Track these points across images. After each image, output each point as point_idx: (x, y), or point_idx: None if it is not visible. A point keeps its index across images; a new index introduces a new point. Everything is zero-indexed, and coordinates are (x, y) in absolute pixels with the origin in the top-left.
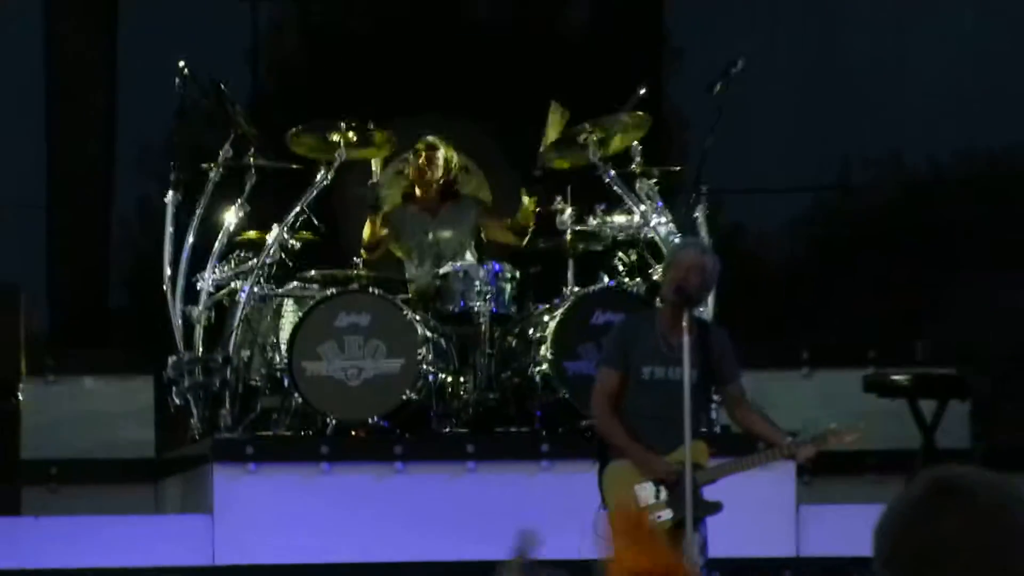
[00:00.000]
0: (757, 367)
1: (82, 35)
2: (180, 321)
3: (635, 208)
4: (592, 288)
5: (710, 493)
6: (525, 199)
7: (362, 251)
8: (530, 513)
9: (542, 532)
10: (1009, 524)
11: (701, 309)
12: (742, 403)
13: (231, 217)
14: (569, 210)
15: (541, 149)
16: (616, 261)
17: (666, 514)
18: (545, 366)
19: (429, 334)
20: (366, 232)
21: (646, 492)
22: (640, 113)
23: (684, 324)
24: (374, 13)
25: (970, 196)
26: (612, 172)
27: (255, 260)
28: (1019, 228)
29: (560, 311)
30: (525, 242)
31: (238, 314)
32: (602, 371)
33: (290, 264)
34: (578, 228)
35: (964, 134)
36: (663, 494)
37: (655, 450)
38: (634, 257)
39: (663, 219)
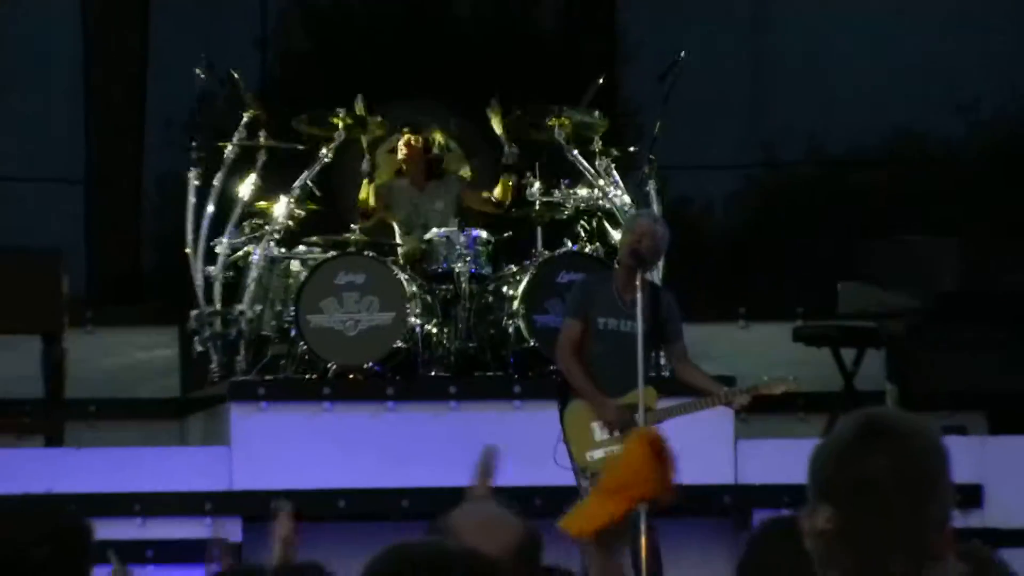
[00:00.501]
0: (702, 321)
1: (116, 27)
2: (201, 280)
3: (595, 182)
4: (557, 252)
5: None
6: (502, 180)
7: (360, 221)
8: (504, 445)
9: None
10: (931, 465)
11: (652, 271)
12: (684, 359)
13: (245, 190)
14: (537, 184)
15: (503, 144)
16: (578, 228)
17: (614, 449)
18: (517, 319)
19: (416, 291)
20: (361, 198)
21: (600, 429)
22: (598, 114)
23: (637, 283)
24: (371, 9)
25: (882, 170)
26: (575, 152)
27: (266, 227)
28: (924, 198)
29: (530, 271)
30: (503, 210)
31: (251, 274)
32: (566, 321)
33: (296, 230)
34: (545, 200)
35: (877, 116)
36: (616, 432)
37: (608, 393)
38: (594, 225)
39: (619, 192)
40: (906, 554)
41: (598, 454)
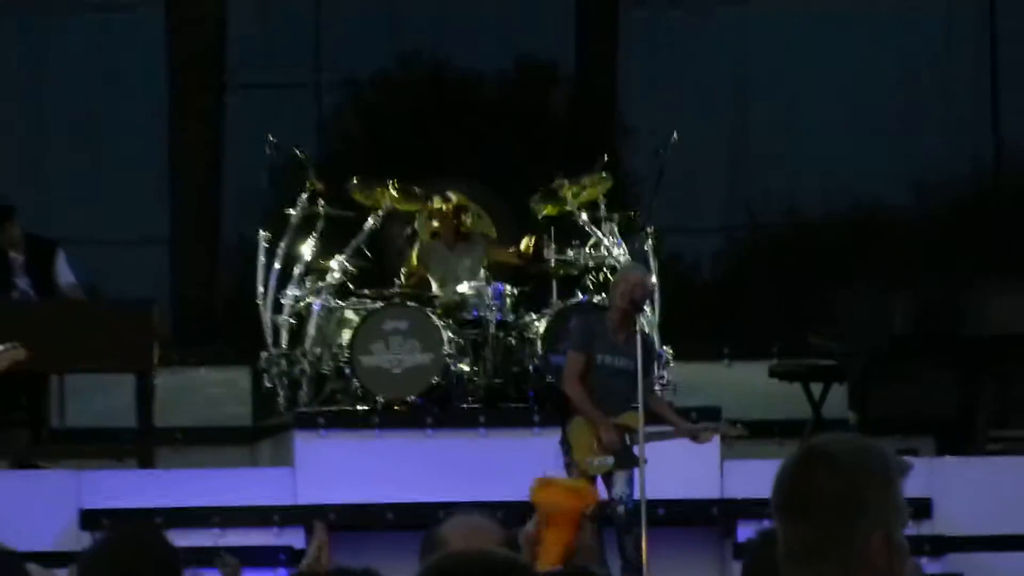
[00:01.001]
0: (691, 359)
1: (197, 112)
2: (270, 326)
3: (601, 243)
4: (570, 302)
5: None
6: (525, 239)
7: (405, 277)
8: (525, 466)
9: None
10: (860, 484)
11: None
12: (652, 391)
13: (306, 249)
14: (552, 245)
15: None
16: (587, 282)
17: (608, 460)
18: (536, 359)
19: (451, 335)
20: (408, 259)
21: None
22: (604, 174)
23: (636, 327)
24: (411, 99)
25: (848, 232)
26: (584, 217)
27: (324, 281)
28: (881, 256)
29: (547, 318)
30: (524, 266)
31: (312, 321)
32: (572, 355)
33: (349, 285)
34: (559, 258)
35: (842, 184)
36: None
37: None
38: (600, 279)
39: (621, 251)
40: (836, 564)
41: (595, 461)
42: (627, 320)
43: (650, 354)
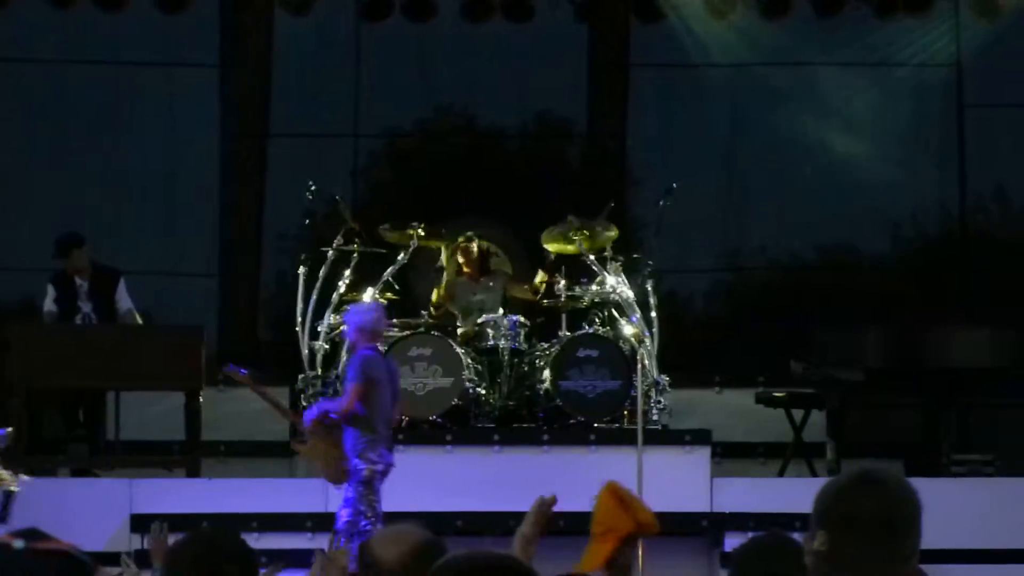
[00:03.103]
0: (684, 387)
1: (242, 159)
2: (307, 351)
3: (607, 281)
4: (578, 333)
5: None
6: (539, 275)
7: (432, 309)
8: (535, 482)
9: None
10: (906, 511)
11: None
12: None
13: (341, 283)
14: (563, 282)
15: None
16: (593, 316)
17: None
18: (546, 384)
19: (470, 362)
20: (434, 298)
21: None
22: (613, 227)
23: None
24: (439, 149)
25: (823, 275)
26: (592, 257)
27: None
28: (856, 296)
29: (556, 347)
30: (537, 300)
31: (345, 347)
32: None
33: None
34: (568, 294)
35: (821, 232)
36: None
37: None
38: (605, 313)
39: (625, 288)
40: (880, 571)
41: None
42: None
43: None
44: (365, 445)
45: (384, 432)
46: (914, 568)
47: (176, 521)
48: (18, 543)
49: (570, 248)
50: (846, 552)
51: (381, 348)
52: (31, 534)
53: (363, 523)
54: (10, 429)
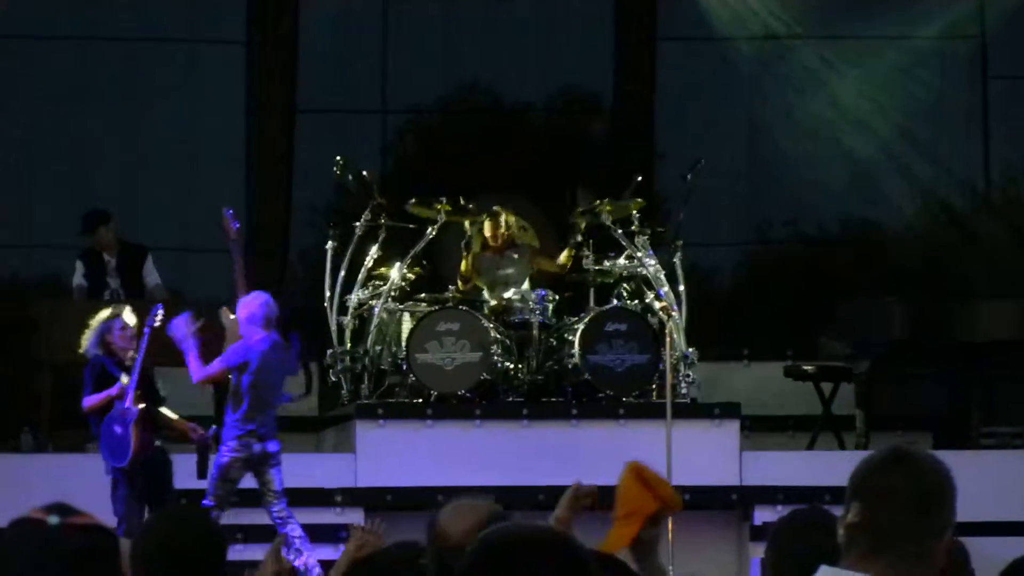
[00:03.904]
0: (713, 360)
1: (270, 135)
2: (335, 327)
3: (634, 255)
4: (605, 307)
5: None
6: (567, 250)
7: (459, 283)
8: (564, 456)
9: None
10: (936, 488)
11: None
12: None
13: (369, 258)
14: (591, 256)
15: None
16: (621, 289)
17: None
18: (575, 358)
19: (498, 336)
20: (462, 267)
21: None
22: (639, 200)
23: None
24: (467, 124)
25: (848, 248)
26: (619, 231)
27: (384, 287)
28: (880, 268)
29: (584, 322)
30: (564, 274)
31: (373, 322)
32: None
33: (407, 289)
34: (596, 267)
35: (845, 205)
36: None
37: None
38: (633, 287)
39: (652, 262)
40: (914, 544)
41: None
42: None
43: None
44: (233, 432)
45: (259, 419)
46: (949, 540)
47: (195, 497)
48: (53, 519)
49: (595, 220)
50: (880, 525)
51: (271, 336)
52: (62, 509)
53: (206, 501)
54: (160, 312)
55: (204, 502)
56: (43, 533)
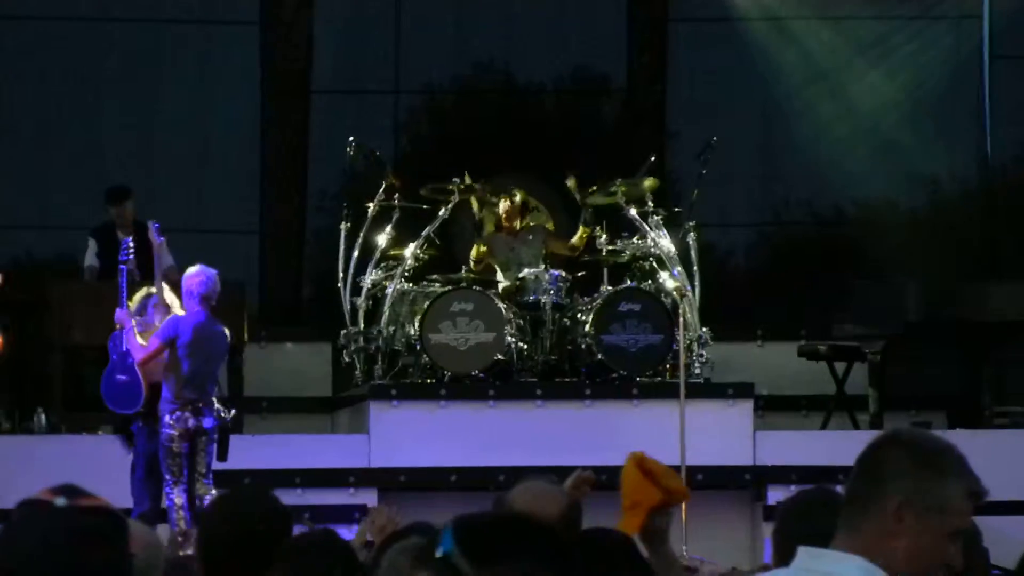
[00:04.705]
0: (727, 340)
1: (284, 117)
2: (348, 307)
3: (648, 234)
4: (619, 287)
5: None
6: (580, 230)
7: (472, 264)
8: (578, 436)
9: (584, 446)
10: (938, 458)
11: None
12: None
13: (382, 239)
14: (604, 236)
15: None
16: (634, 269)
17: None
18: (589, 338)
19: (512, 316)
20: (473, 252)
21: None
22: (653, 179)
23: None
24: (479, 104)
25: (862, 229)
26: (633, 211)
27: (398, 267)
28: (895, 250)
29: (598, 302)
30: (578, 255)
31: (387, 303)
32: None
33: (421, 270)
34: (610, 247)
35: (858, 187)
36: None
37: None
38: (646, 267)
39: (666, 242)
40: (859, 519)
41: None
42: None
43: None
44: (168, 408)
45: (190, 395)
46: (891, 511)
47: (219, 477)
48: (59, 500)
49: (610, 200)
50: (847, 499)
51: (208, 313)
52: (70, 491)
53: (166, 487)
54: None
55: (166, 488)
56: (50, 514)
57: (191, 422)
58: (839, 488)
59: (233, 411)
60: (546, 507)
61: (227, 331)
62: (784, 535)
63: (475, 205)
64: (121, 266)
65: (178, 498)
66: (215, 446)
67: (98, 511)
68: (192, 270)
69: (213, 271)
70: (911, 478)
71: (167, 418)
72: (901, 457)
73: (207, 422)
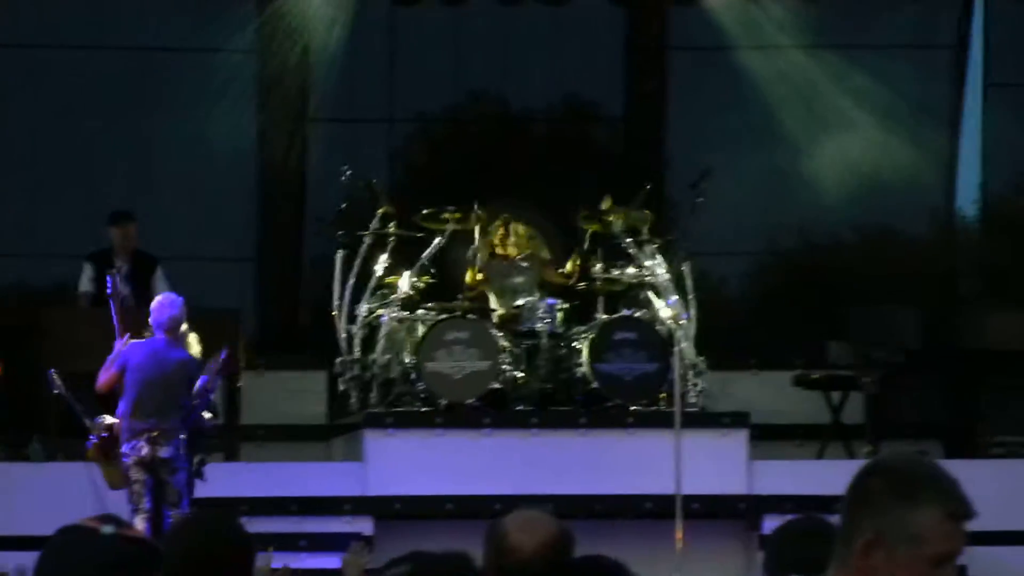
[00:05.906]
0: (722, 369)
1: (282, 147)
2: (344, 335)
3: (643, 263)
4: (614, 315)
5: None
6: (572, 258)
7: (465, 292)
8: (572, 464)
9: (579, 475)
10: (911, 486)
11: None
12: None
13: (378, 267)
14: (599, 264)
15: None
16: (630, 298)
17: None
18: (584, 367)
19: (507, 345)
20: (468, 278)
21: None
22: (647, 212)
23: None
24: (473, 132)
25: (858, 257)
26: (628, 239)
27: (394, 296)
28: (890, 279)
29: (593, 330)
30: (572, 283)
31: (382, 331)
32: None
33: (416, 298)
34: (605, 276)
35: (852, 216)
36: None
37: None
38: (642, 296)
39: (661, 271)
40: (841, 553)
41: None
42: None
43: None
44: (124, 436)
45: (141, 425)
46: (860, 549)
47: (215, 505)
48: (107, 528)
49: (604, 228)
50: (840, 529)
51: (170, 339)
52: (114, 520)
53: (129, 513)
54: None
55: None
56: (99, 541)
57: (144, 451)
58: (834, 518)
59: (202, 457)
60: (538, 534)
61: (194, 356)
62: (774, 564)
63: (476, 232)
64: (110, 299)
65: (139, 525)
66: (184, 475)
67: (141, 541)
68: (158, 298)
69: (176, 298)
70: (884, 511)
71: (124, 447)
72: (879, 488)
73: (165, 452)
